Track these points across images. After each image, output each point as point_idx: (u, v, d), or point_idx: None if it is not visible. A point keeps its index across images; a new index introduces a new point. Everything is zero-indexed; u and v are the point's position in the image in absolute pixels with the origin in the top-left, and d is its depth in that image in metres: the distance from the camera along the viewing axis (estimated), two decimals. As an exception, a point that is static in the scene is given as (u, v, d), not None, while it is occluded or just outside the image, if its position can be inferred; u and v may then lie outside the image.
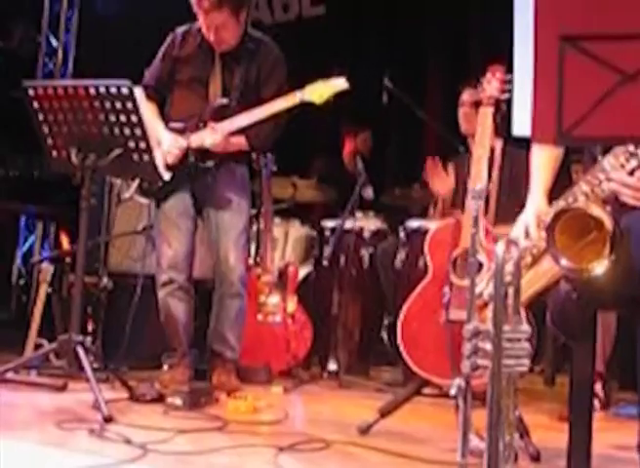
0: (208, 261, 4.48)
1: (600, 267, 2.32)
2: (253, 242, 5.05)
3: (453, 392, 2.17)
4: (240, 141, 4.14)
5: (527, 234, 2.70)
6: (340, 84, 4.08)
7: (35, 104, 3.77)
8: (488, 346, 2.08)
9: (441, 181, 4.66)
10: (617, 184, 2.46)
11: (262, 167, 5.05)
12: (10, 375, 3.82)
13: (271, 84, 4.15)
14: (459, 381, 2.17)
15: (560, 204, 2.56)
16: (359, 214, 5.17)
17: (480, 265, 3.31)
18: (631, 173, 2.45)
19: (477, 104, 4.65)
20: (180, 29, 4.27)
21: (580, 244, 2.41)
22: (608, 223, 2.31)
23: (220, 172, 4.17)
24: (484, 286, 2.34)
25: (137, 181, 4.12)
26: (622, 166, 2.48)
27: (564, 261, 2.39)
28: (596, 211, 2.35)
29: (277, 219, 5.44)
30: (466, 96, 4.80)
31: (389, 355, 4.90)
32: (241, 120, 4.03)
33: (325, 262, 5.09)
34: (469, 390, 2.16)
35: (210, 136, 4.04)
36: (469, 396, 2.16)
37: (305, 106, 4.08)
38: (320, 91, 4.04)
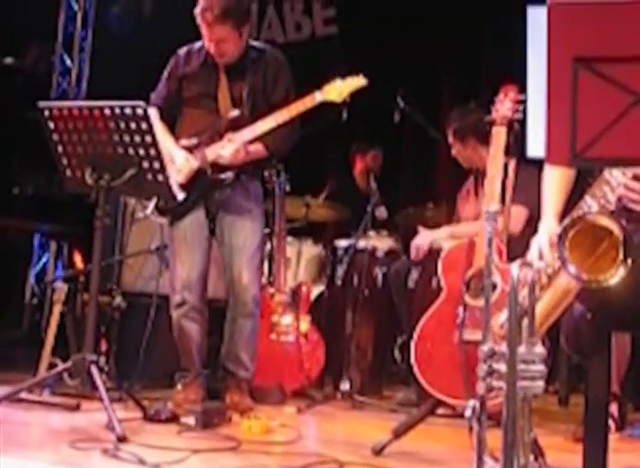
0: (221, 281, 4.49)
1: (617, 275, 2.31)
2: (266, 261, 5.05)
3: (467, 414, 2.17)
4: (258, 149, 4.14)
5: (541, 256, 2.70)
6: (358, 81, 4.10)
7: (50, 125, 3.79)
8: (503, 368, 2.08)
9: (470, 208, 4.68)
10: (622, 189, 2.47)
11: (276, 186, 5.06)
12: (23, 395, 3.83)
13: (279, 89, 4.17)
14: (473, 403, 2.17)
15: (567, 219, 2.57)
16: (372, 234, 5.17)
17: (494, 286, 3.31)
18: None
19: (455, 140, 4.69)
20: (182, 49, 4.32)
21: (594, 257, 2.41)
22: (617, 231, 2.31)
23: (235, 190, 4.18)
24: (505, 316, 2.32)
25: (154, 200, 4.13)
26: (624, 174, 2.50)
27: (580, 275, 2.39)
28: (604, 220, 2.35)
29: (290, 239, 5.45)
30: (450, 138, 4.81)
31: (403, 375, 4.90)
32: (261, 126, 4.03)
33: (338, 282, 5.09)
34: (484, 412, 2.16)
35: (228, 147, 4.04)
36: (484, 418, 2.15)
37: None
38: (339, 89, 4.05)
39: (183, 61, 4.27)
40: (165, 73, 4.32)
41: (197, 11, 4.06)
